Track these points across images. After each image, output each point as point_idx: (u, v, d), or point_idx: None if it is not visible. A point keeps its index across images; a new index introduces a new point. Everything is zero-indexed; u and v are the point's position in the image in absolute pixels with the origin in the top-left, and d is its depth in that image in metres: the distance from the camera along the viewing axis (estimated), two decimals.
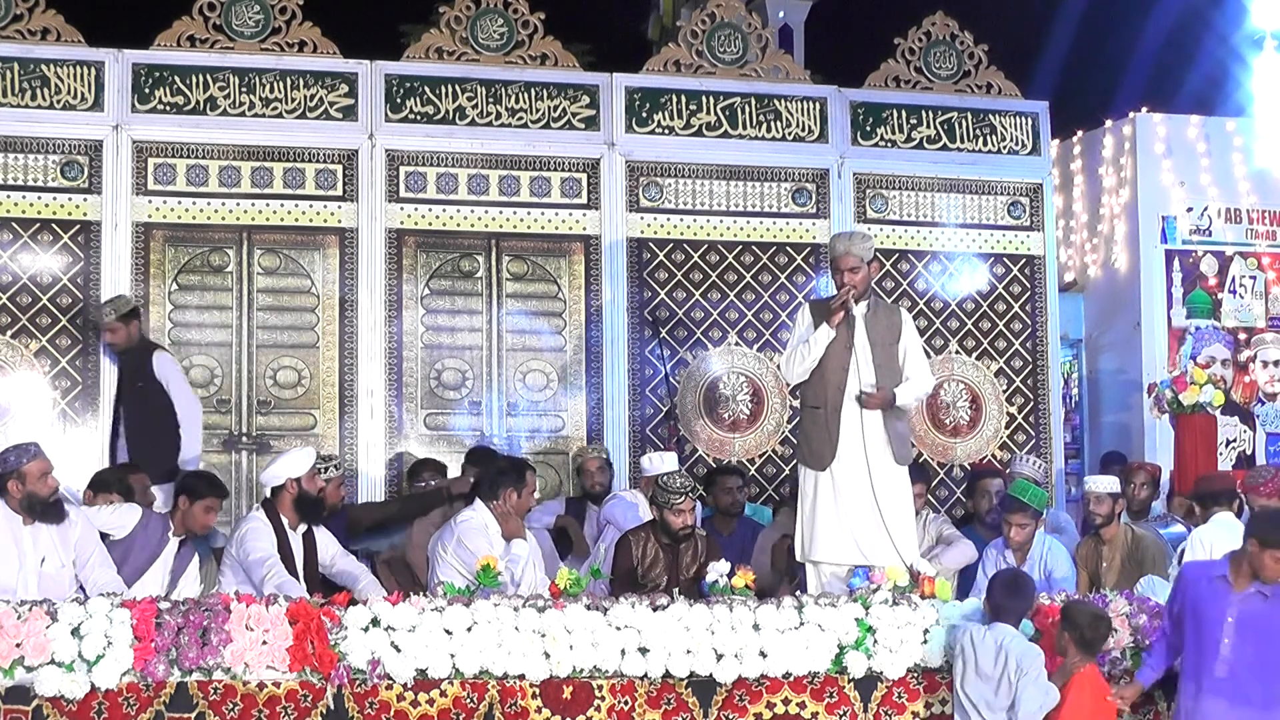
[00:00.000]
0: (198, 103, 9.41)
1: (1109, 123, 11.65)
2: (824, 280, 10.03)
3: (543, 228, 9.81)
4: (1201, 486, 8.10)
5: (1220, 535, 7.47)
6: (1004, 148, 10.40)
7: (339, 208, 9.56)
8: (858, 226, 9.91)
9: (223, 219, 9.46)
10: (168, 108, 9.38)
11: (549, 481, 9.61)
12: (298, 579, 7.10)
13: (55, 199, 9.28)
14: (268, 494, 7.41)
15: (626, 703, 6.19)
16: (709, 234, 10.01)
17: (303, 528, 7.37)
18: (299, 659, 5.96)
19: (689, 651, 6.24)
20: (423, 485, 8.82)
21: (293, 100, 9.53)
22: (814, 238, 10.07)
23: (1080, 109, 12.51)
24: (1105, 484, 8.11)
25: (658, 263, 9.94)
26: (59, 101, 9.25)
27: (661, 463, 8.50)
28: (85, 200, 9.29)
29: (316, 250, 9.58)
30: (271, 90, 9.49)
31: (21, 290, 9.19)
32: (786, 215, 10.11)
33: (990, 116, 10.38)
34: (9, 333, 9.16)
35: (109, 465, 8.51)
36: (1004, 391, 10.30)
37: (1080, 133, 11.91)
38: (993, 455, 10.15)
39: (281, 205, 9.52)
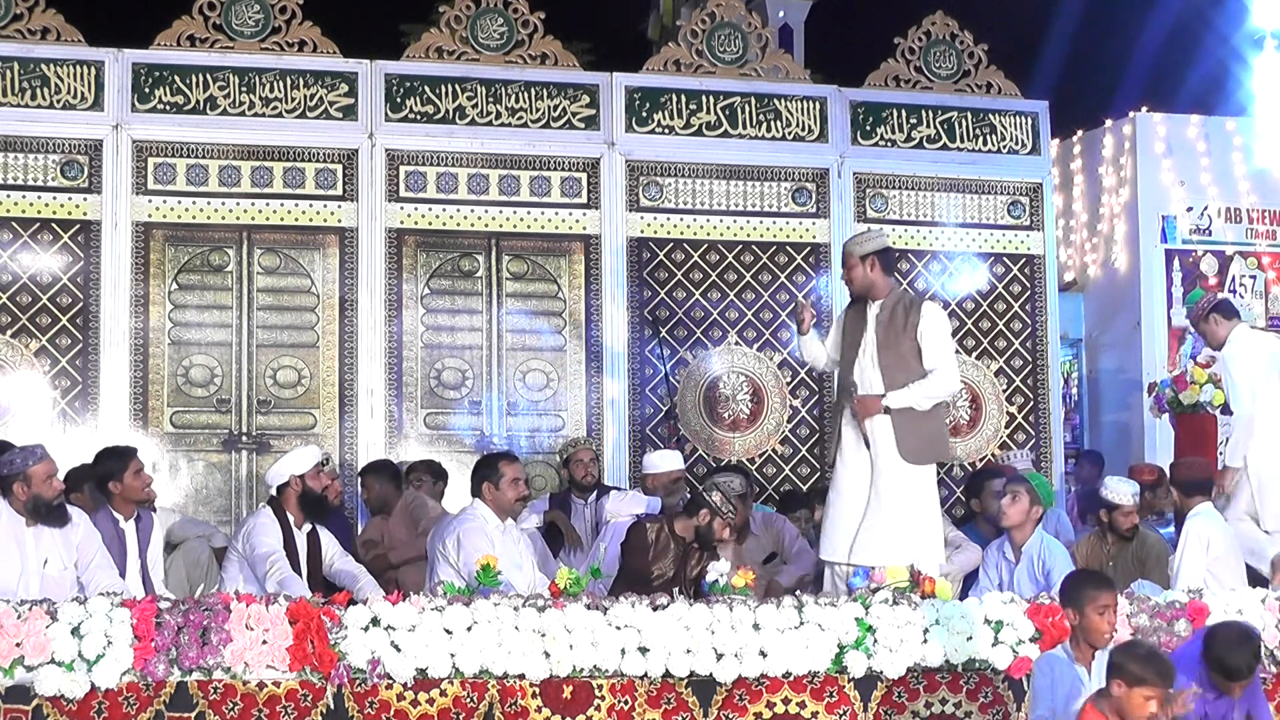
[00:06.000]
0: (198, 102, 9.41)
1: (1109, 122, 11.66)
2: (823, 280, 10.04)
3: (543, 227, 9.81)
4: (1185, 474, 7.98)
5: (1214, 528, 7.49)
6: (1004, 147, 10.39)
7: (339, 207, 9.57)
8: (858, 226, 9.91)
9: (223, 219, 9.46)
10: (168, 107, 9.38)
11: (548, 481, 9.61)
12: (301, 577, 7.12)
13: (55, 198, 9.28)
14: (273, 492, 7.43)
15: (626, 702, 6.18)
16: (709, 233, 10.01)
17: (308, 526, 7.40)
18: (299, 658, 5.95)
19: (689, 651, 6.22)
20: (417, 486, 8.81)
21: (293, 100, 9.53)
22: (814, 237, 10.07)
23: (1080, 109, 12.51)
24: (1132, 490, 7.96)
25: (658, 262, 9.94)
26: (59, 101, 9.26)
27: (664, 461, 8.50)
28: (85, 200, 9.28)
29: (316, 250, 9.58)
30: (271, 90, 9.49)
31: (21, 290, 9.19)
32: (786, 215, 10.11)
33: (990, 116, 10.38)
34: (9, 333, 9.16)
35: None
36: (1004, 391, 10.30)
37: (1080, 132, 11.92)
38: (992, 455, 10.15)
39: (281, 205, 9.52)
